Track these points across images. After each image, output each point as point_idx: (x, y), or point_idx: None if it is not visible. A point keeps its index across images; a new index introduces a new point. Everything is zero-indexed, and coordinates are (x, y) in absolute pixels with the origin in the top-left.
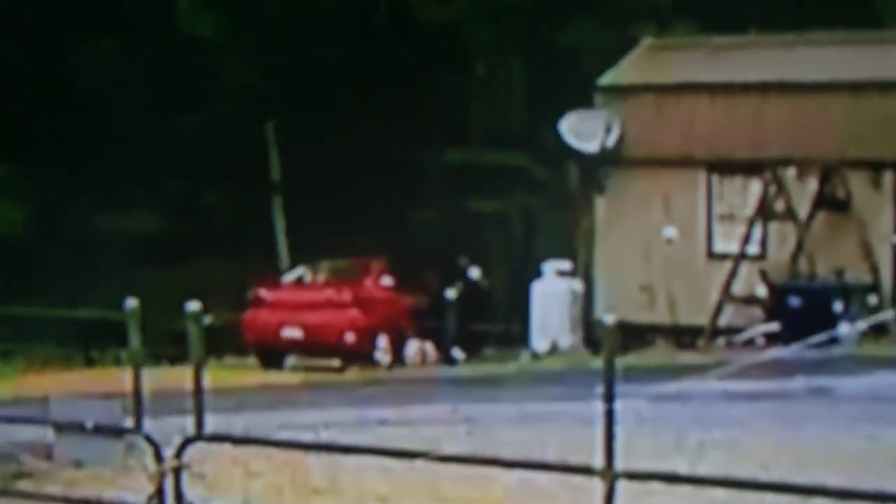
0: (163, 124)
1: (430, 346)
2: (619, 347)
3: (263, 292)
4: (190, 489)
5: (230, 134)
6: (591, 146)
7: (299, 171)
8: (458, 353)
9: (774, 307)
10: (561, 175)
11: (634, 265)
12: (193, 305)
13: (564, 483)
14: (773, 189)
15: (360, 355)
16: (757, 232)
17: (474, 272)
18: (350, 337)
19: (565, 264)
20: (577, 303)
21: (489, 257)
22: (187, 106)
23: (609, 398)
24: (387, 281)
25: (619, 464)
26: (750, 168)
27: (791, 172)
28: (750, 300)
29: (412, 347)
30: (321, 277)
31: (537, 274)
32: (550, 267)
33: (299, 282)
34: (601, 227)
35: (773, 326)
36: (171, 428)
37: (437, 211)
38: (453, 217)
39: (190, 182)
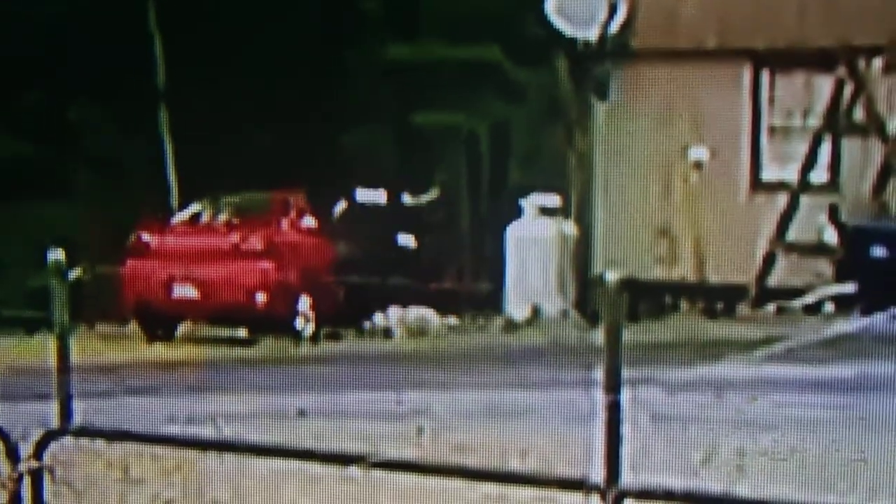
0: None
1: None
2: (626, 315)
3: (147, 237)
4: (53, 499)
5: (97, 24)
6: (588, 33)
7: (193, 74)
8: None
9: (849, 260)
10: (546, 75)
11: (648, 200)
12: (56, 254)
13: (549, 502)
14: (849, 89)
15: (275, 323)
16: (825, 152)
17: (431, 195)
18: (261, 298)
19: (552, 199)
20: (568, 252)
21: (447, 189)
22: None
23: (612, 386)
24: (310, 222)
25: (626, 479)
26: (817, 60)
27: (877, 65)
28: (814, 249)
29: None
30: (223, 217)
31: (513, 212)
32: (531, 202)
33: (194, 223)
34: (602, 146)
35: (848, 287)
36: (28, 418)
37: (377, 128)
38: (398, 136)
39: (47, 94)
